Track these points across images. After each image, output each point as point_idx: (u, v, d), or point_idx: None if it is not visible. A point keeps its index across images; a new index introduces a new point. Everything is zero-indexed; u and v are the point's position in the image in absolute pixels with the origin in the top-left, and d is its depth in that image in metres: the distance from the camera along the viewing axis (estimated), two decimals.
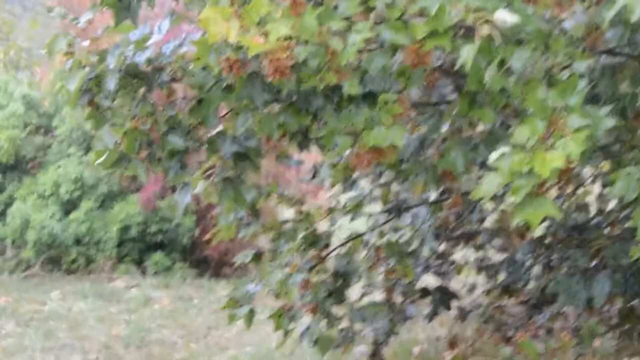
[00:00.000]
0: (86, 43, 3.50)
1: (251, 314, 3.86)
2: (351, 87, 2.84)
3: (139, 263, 9.26)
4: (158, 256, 9.17)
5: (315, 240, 4.02)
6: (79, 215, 9.05)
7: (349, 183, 4.43)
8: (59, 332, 6.70)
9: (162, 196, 9.24)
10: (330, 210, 4.36)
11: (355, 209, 4.32)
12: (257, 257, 4.28)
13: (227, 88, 3.22)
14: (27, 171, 9.67)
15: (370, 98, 3.01)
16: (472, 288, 5.60)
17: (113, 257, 9.08)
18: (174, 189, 9.06)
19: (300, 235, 4.08)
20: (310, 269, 3.97)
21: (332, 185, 4.43)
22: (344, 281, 3.97)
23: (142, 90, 3.41)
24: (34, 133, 9.81)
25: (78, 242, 9.11)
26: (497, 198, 4.66)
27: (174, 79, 3.41)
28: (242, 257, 4.33)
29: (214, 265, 9.62)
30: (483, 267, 5.30)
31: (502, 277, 5.05)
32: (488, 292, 5.15)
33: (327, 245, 4.05)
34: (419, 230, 4.63)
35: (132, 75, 3.41)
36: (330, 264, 4.11)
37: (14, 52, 12.97)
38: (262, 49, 2.60)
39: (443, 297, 4.81)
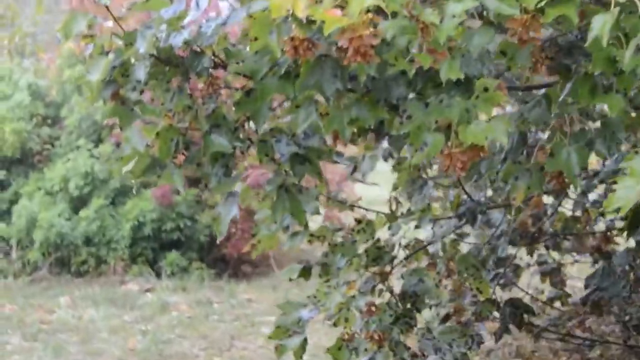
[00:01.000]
0: (110, 24, 2.89)
1: (304, 346, 3.27)
2: (451, 71, 2.28)
3: (153, 263, 8.68)
4: (173, 256, 8.60)
5: (380, 255, 3.42)
6: (89, 212, 8.48)
7: (417, 185, 3.82)
8: (69, 346, 6.14)
9: (179, 190, 8.65)
10: (392, 217, 3.76)
11: (422, 214, 3.72)
12: (306, 272, 3.69)
13: (285, 75, 2.62)
14: (34, 165, 9.10)
15: (463, 85, 2.44)
16: (546, 300, 4.99)
17: (125, 257, 8.52)
18: (192, 183, 8.49)
19: (360, 247, 3.49)
20: (372, 289, 3.38)
21: (395, 188, 3.83)
22: (413, 303, 3.38)
23: (177, 79, 2.82)
24: (40, 124, 9.24)
25: (88, 241, 8.54)
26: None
27: (216, 65, 2.81)
28: (288, 273, 3.74)
29: (233, 264, 9.05)
30: (557, 278, 4.71)
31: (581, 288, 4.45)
32: (562, 304, 4.55)
33: (392, 260, 3.45)
34: (490, 237, 4.05)
35: (166, 62, 2.82)
36: (394, 280, 3.52)
37: (19, 38, 12.35)
38: (341, 24, 2.06)
39: (514, 311, 4.21)
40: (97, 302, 7.41)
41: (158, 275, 8.50)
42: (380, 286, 3.46)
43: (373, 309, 3.24)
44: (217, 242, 8.97)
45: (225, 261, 8.99)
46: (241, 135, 2.84)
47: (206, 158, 2.78)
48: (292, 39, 2.35)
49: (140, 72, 2.75)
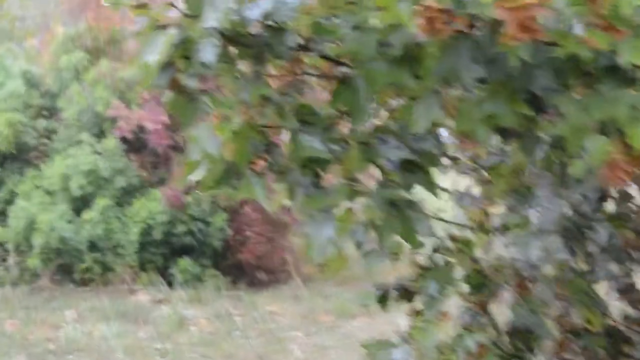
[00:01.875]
0: None
1: None
2: (635, 53, 1.77)
3: (163, 270, 8.13)
4: (186, 263, 8.04)
5: (483, 281, 2.88)
6: (93, 214, 7.91)
7: (521, 195, 3.25)
8: None
9: (190, 189, 8.10)
10: (483, 233, 3.21)
11: (521, 229, 3.17)
12: (383, 298, 3.14)
13: (401, 58, 2.08)
14: (30, 162, 8.53)
15: (620, 74, 1.92)
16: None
17: (134, 264, 7.96)
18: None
19: (454, 270, 2.94)
20: (477, 324, 2.83)
21: (488, 197, 3.27)
22: (525, 341, 2.83)
23: (250, 63, 2.28)
24: (36, 116, 8.66)
25: (93, 247, 7.98)
26: None
27: (303, 47, 2.27)
28: (363, 298, 3.19)
29: (249, 270, 8.50)
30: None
31: None
32: None
33: (497, 287, 2.90)
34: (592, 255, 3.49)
35: (239, 41, 2.28)
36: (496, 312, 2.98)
37: (9, 21, 11.78)
38: None
39: (609, 341, 3.67)
40: (107, 316, 6.86)
41: (170, 283, 7.94)
42: (482, 319, 2.91)
43: (483, 350, 2.70)
44: (230, 244, 8.49)
45: (241, 268, 8.44)
46: (336, 136, 2.29)
47: (295, 164, 2.23)
48: (428, 8, 1.83)
49: (210, 53, 2.19)
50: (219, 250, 8.29)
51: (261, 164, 2.28)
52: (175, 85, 2.33)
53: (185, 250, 8.18)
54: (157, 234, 7.96)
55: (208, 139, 2.24)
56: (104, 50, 9.05)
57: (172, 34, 2.16)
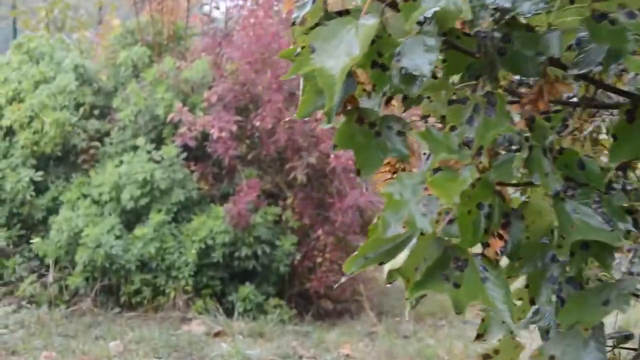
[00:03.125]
0: None
1: None
2: None
3: (220, 297, 7.33)
4: (247, 290, 7.23)
5: None
6: (146, 230, 7.13)
7: None
8: None
9: (257, 207, 7.29)
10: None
11: None
12: None
13: None
14: (78, 167, 7.77)
15: None
16: None
17: (189, 289, 7.15)
18: (269, 197, 7.12)
19: None
20: None
21: None
22: None
23: (485, 80, 1.45)
24: (87, 116, 7.90)
25: (143, 267, 7.21)
26: None
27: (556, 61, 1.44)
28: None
29: (317, 301, 7.67)
30: None
31: None
32: None
33: None
34: None
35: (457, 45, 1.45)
36: None
37: (59, 10, 11.04)
38: None
39: None
40: (157, 351, 6.08)
41: (227, 312, 7.13)
42: None
43: None
44: (297, 270, 7.67)
45: (308, 298, 7.61)
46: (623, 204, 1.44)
47: (561, 252, 1.38)
48: None
49: (422, 59, 1.38)
50: (284, 277, 7.47)
51: (497, 244, 1.43)
52: (353, 108, 1.51)
53: (247, 276, 7.38)
54: (216, 256, 7.15)
55: (415, 204, 1.39)
56: (166, 46, 8.28)
57: (371, 24, 1.32)
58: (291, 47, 1.59)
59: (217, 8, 8.10)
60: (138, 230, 7.14)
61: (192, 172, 7.48)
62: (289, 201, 7.57)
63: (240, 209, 7.06)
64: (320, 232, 7.48)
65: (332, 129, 6.86)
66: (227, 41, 8.01)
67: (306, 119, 7.31)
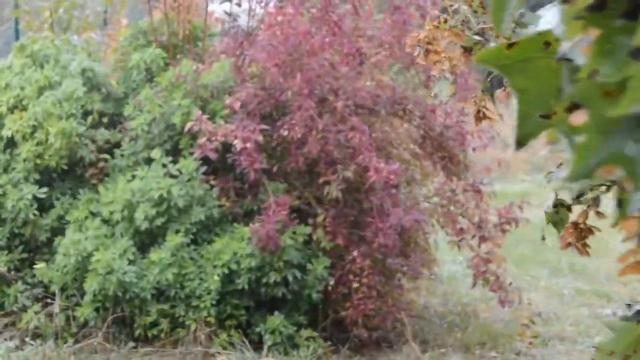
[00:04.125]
0: None
1: None
2: None
3: (246, 328, 6.63)
4: (277, 321, 6.54)
5: None
6: (162, 254, 6.44)
7: None
8: None
9: (285, 227, 6.59)
10: None
11: None
12: None
13: None
14: (86, 182, 7.09)
15: None
16: None
17: (211, 320, 6.46)
18: (299, 215, 6.41)
19: None
20: None
21: None
22: None
23: None
24: (96, 125, 7.21)
25: (160, 295, 6.51)
26: None
27: None
28: None
29: (353, 330, 6.95)
30: None
31: None
32: None
33: None
34: None
35: None
36: None
37: (64, 10, 10.34)
38: None
39: None
40: None
41: (255, 346, 6.43)
42: None
43: None
44: (331, 297, 6.97)
45: (344, 328, 6.90)
46: None
47: None
48: None
49: None
50: (317, 305, 6.76)
51: None
52: None
53: (275, 305, 6.69)
54: (241, 283, 6.46)
55: None
56: (182, 47, 7.59)
57: None
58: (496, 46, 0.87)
59: (239, 5, 7.40)
60: (154, 254, 6.45)
61: (212, 187, 6.77)
62: (319, 219, 6.86)
63: (268, 229, 6.36)
64: (355, 253, 6.76)
65: (370, 137, 6.11)
66: (249, 42, 7.32)
67: (341, 127, 6.60)
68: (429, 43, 2.97)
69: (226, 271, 6.48)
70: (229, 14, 7.46)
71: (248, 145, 6.49)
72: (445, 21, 2.97)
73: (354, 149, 6.56)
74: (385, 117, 7.32)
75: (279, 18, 6.66)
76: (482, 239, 7.16)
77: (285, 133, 6.63)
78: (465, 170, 7.23)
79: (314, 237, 6.81)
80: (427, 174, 7.84)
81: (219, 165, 6.88)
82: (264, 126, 6.63)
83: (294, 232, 6.64)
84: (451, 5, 2.97)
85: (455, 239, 7.33)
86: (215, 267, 6.49)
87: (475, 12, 2.96)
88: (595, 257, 11.74)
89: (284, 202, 6.52)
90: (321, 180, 6.64)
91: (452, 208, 7.21)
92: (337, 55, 6.75)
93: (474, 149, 7.27)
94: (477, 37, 2.97)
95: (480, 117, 2.98)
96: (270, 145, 6.89)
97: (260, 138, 6.55)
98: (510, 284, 7.19)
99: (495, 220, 7.20)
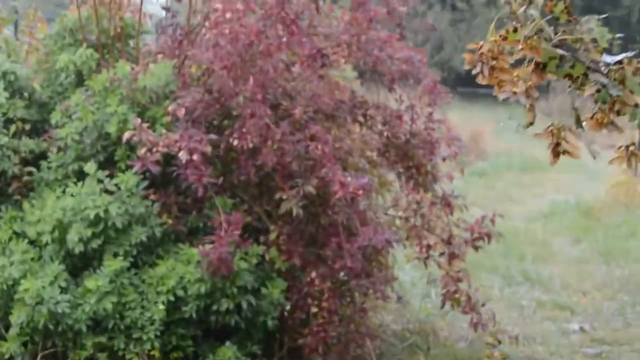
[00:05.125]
0: None
1: None
2: None
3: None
4: (228, 351, 5.95)
5: None
6: (99, 281, 5.77)
7: None
8: None
9: (238, 247, 5.98)
10: None
11: None
12: None
13: None
14: (9, 197, 6.37)
15: None
16: None
17: (155, 353, 5.82)
18: (252, 232, 5.78)
19: None
20: None
21: None
22: None
23: None
24: (19, 134, 6.49)
25: (97, 327, 5.85)
26: None
27: None
28: None
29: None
30: None
31: None
32: None
33: None
34: None
35: None
36: None
37: None
38: None
39: None
40: None
41: None
42: None
43: None
44: (287, 324, 6.39)
45: (301, 356, 6.33)
46: None
47: None
48: None
49: None
50: (273, 332, 6.18)
51: None
52: None
53: (226, 333, 6.09)
54: (189, 311, 5.84)
55: None
56: (113, 47, 6.90)
57: None
58: None
59: (179, 1, 6.75)
60: (90, 281, 5.77)
61: (153, 202, 6.12)
62: (272, 236, 6.27)
63: (220, 252, 5.73)
64: (314, 275, 6.19)
65: (338, 150, 5.52)
66: (190, 40, 6.69)
67: (299, 137, 6.01)
68: (493, 58, 2.38)
69: (171, 298, 5.85)
70: (167, 10, 6.80)
71: (195, 157, 5.85)
72: (515, 30, 2.39)
73: (314, 160, 5.97)
74: (343, 123, 6.76)
75: (228, 15, 6.02)
76: (452, 256, 6.66)
77: (236, 142, 6.01)
78: (433, 181, 6.72)
79: (267, 257, 6.21)
80: (383, 183, 7.31)
81: (159, 178, 6.22)
82: (212, 136, 6.00)
83: (246, 253, 6.03)
84: (522, 10, 2.38)
85: (420, 255, 6.82)
86: (159, 293, 5.86)
87: (557, 19, 2.40)
88: (545, 263, 11.42)
89: (236, 220, 5.90)
90: (277, 195, 6.04)
91: (417, 222, 6.68)
92: (295, 57, 6.15)
93: (443, 159, 6.76)
94: (560, 51, 2.40)
95: (558, 151, 2.42)
96: (214, 154, 6.25)
97: (208, 149, 5.92)
98: (483, 305, 6.71)
99: (466, 235, 6.70)
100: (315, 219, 6.38)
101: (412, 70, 6.50)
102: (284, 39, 5.90)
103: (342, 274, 6.22)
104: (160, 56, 6.71)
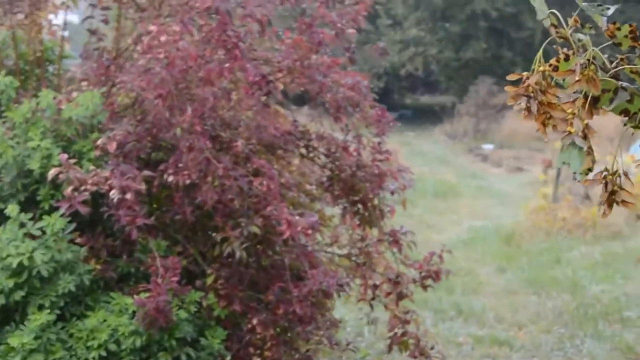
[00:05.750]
0: None
1: None
2: None
3: None
4: None
5: None
6: (24, 337, 5.16)
7: None
8: None
9: (176, 295, 5.46)
10: None
11: None
12: None
13: None
14: None
15: None
16: None
17: None
18: (191, 277, 5.27)
19: None
20: None
21: None
22: None
23: None
24: None
25: None
26: None
27: None
28: None
29: None
30: None
31: None
32: None
33: None
34: None
35: None
36: None
37: None
38: None
39: None
40: None
41: None
42: None
43: None
44: None
45: None
46: None
47: None
48: None
49: None
50: None
51: None
52: None
53: None
54: None
55: None
56: (32, 73, 6.32)
57: None
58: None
59: (106, 22, 6.21)
60: (13, 338, 5.16)
61: (80, 247, 5.55)
62: (209, 280, 5.77)
63: (158, 301, 5.20)
64: (255, 322, 5.71)
65: (282, 186, 5.05)
66: (117, 65, 6.15)
67: (241, 173, 5.53)
68: (542, 92, 1.96)
69: (103, 353, 5.27)
70: (93, 32, 6.25)
71: (128, 196, 5.31)
72: (568, 59, 1.97)
73: (258, 197, 5.50)
74: (282, 155, 6.31)
75: (162, 38, 5.50)
76: (400, 297, 6.26)
77: (171, 179, 5.49)
78: (380, 216, 6.30)
79: (204, 304, 5.70)
80: (322, 218, 6.87)
81: (86, 219, 5.66)
82: (147, 172, 5.47)
83: (182, 301, 5.51)
84: (577, 38, 1.97)
85: (365, 296, 6.41)
86: (89, 349, 5.28)
87: (618, 45, 2.00)
88: (475, 294, 11.12)
89: (173, 265, 5.38)
90: (219, 236, 5.54)
91: (360, 260, 6.27)
92: (235, 84, 5.66)
93: (392, 192, 6.35)
94: (621, 83, 2.00)
95: (614, 201, 2.01)
96: (145, 191, 5.71)
97: (142, 187, 5.38)
98: (432, 348, 6.32)
99: (413, 273, 6.31)
100: (256, 260, 5.90)
101: (359, 98, 6.09)
102: (226, 65, 5.41)
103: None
104: (84, 83, 6.15)
